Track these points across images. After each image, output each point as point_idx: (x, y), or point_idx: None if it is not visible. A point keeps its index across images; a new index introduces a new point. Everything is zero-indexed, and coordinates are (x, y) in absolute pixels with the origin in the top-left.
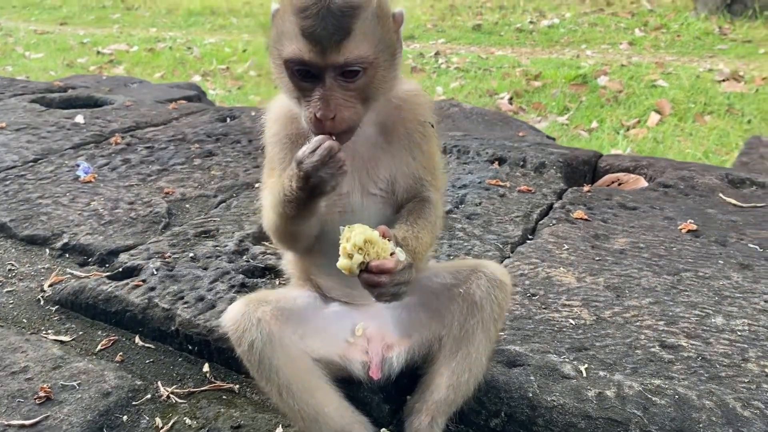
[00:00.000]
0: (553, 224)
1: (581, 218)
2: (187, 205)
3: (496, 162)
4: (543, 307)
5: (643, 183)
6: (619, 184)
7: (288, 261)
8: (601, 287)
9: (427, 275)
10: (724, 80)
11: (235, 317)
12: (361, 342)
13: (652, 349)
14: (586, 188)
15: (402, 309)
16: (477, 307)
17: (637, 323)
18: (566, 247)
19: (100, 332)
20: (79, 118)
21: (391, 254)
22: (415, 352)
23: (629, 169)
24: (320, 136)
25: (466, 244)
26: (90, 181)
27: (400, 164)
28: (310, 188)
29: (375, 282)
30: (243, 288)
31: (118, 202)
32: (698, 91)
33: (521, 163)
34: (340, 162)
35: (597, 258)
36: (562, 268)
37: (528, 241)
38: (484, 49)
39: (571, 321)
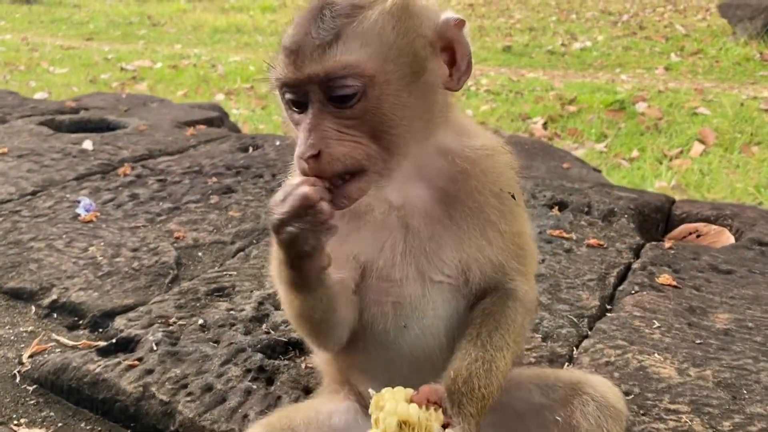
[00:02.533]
0: (636, 291)
1: (669, 284)
2: (200, 254)
3: (556, 207)
4: (642, 412)
5: (728, 236)
6: (698, 236)
7: (322, 359)
8: (711, 384)
9: (505, 386)
10: None
11: None
12: None
13: None
14: (667, 244)
15: None
16: None
17: None
18: (657, 324)
19: (83, 424)
20: (87, 144)
21: None
22: None
23: (709, 219)
24: (297, 179)
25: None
26: (91, 221)
27: (470, 247)
28: (285, 247)
29: None
30: (261, 373)
31: (120, 249)
32: (743, 120)
33: (586, 209)
34: (321, 216)
35: (698, 341)
36: (657, 355)
37: (608, 314)
38: (514, 71)
39: None
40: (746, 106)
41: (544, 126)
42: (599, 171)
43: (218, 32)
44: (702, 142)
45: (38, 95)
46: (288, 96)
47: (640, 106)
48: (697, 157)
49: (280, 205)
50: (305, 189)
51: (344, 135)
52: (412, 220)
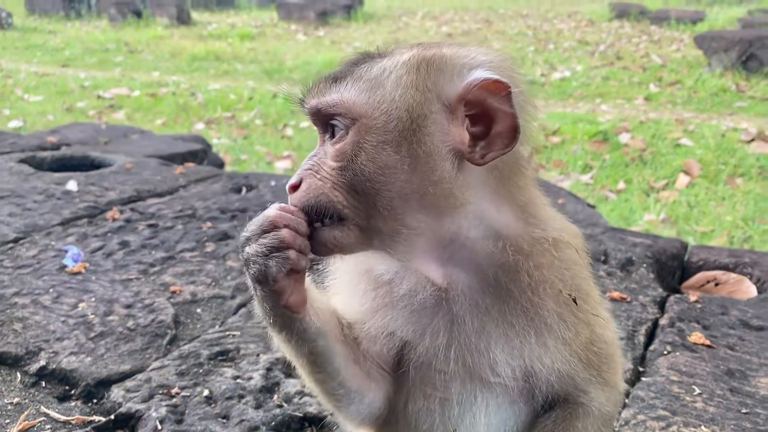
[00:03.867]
0: (669, 352)
1: (702, 344)
2: (199, 310)
3: None
4: None
5: (749, 285)
6: (716, 285)
7: None
8: None
9: None
10: (751, 140)
11: None
12: None
13: None
14: (693, 297)
15: None
16: None
17: None
18: (697, 390)
19: None
20: (72, 185)
21: None
22: None
23: (728, 267)
24: (273, 205)
25: None
26: (80, 272)
27: (526, 352)
28: (253, 279)
29: None
30: None
31: (113, 305)
32: (726, 151)
33: (602, 257)
34: (282, 242)
35: (744, 410)
36: (704, 428)
37: (643, 379)
38: None
39: None
40: (727, 138)
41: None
42: (594, 207)
43: (197, 60)
44: (687, 173)
45: (12, 123)
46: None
47: (624, 137)
48: (683, 189)
49: (248, 226)
50: (272, 211)
51: (331, 174)
52: (456, 306)
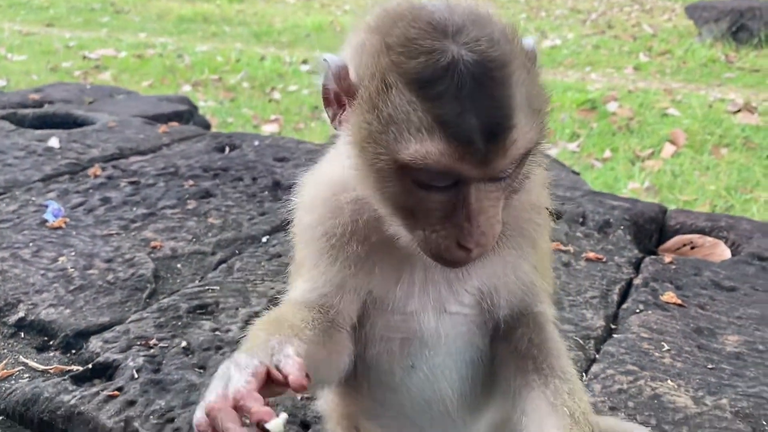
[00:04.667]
0: (641, 310)
1: (674, 303)
2: (179, 265)
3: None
4: None
5: (724, 249)
6: (693, 248)
7: (326, 402)
8: (729, 414)
9: None
10: (737, 111)
11: None
12: None
13: None
14: (667, 259)
15: None
16: None
17: None
18: (666, 346)
19: None
20: (54, 142)
21: None
22: None
23: (704, 230)
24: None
25: None
26: (60, 227)
27: (504, 269)
28: None
29: None
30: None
31: (93, 259)
32: (712, 121)
33: (580, 219)
34: None
35: (710, 366)
36: (670, 381)
37: (615, 336)
38: None
39: None
40: (714, 108)
41: None
42: (578, 173)
43: (184, 21)
44: (673, 143)
45: None
46: (431, 182)
47: (612, 106)
48: (668, 158)
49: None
50: None
51: (496, 210)
52: None
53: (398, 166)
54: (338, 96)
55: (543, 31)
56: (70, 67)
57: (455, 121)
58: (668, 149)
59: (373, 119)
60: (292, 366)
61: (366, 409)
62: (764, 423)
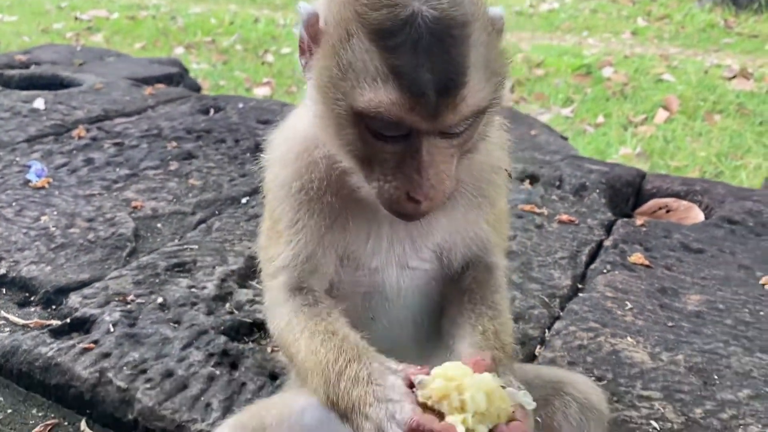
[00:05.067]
0: (608, 270)
1: (641, 264)
2: (159, 225)
3: (528, 180)
4: (615, 399)
5: (697, 212)
6: (668, 211)
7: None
8: (683, 369)
9: None
10: (733, 77)
11: None
12: None
13: None
14: (639, 221)
15: None
16: None
17: (740, 430)
18: (629, 305)
19: (35, 410)
20: (39, 103)
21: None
22: None
23: (679, 194)
24: (419, 418)
25: None
26: (43, 187)
27: (464, 226)
28: None
29: None
30: (224, 357)
31: (75, 218)
32: (706, 87)
33: (557, 182)
34: None
35: (670, 324)
36: (629, 338)
37: (580, 294)
38: None
39: (655, 424)
40: (710, 74)
41: (511, 89)
42: (566, 138)
43: None
44: (666, 109)
45: None
46: (384, 131)
47: (607, 71)
48: (661, 124)
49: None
50: None
51: (448, 167)
52: None
53: (354, 113)
54: (310, 44)
55: None
56: (61, 28)
57: (409, 73)
58: (661, 115)
59: (334, 66)
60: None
61: None
62: (716, 377)
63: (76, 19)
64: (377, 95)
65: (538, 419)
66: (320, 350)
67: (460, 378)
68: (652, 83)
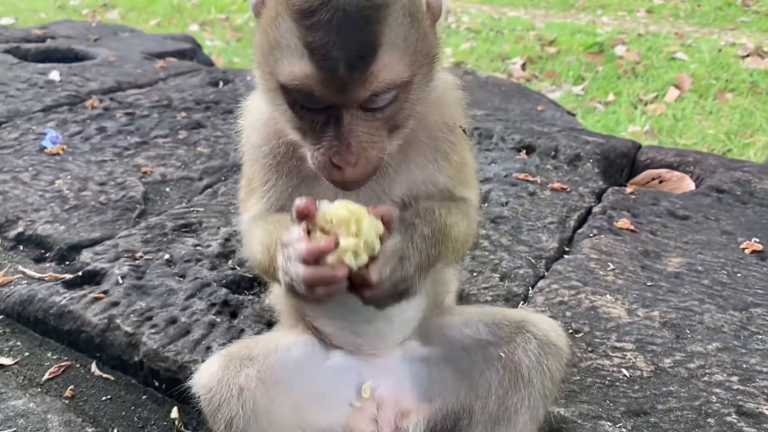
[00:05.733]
0: (594, 234)
1: (627, 228)
2: (168, 189)
3: (524, 151)
4: (589, 349)
5: (689, 183)
6: (661, 182)
7: (277, 295)
8: (657, 324)
9: (454, 322)
10: (747, 56)
11: (209, 384)
12: (370, 407)
13: (728, 419)
14: (629, 189)
15: (422, 364)
16: (523, 380)
17: (705, 378)
18: (611, 266)
19: (50, 354)
20: (54, 75)
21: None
22: (438, 424)
23: (672, 165)
24: (320, 244)
25: (492, 257)
26: (58, 153)
27: (423, 180)
28: (286, 287)
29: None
30: (225, 307)
31: (87, 182)
32: (720, 66)
33: (552, 153)
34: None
35: (649, 283)
36: (609, 296)
37: (565, 256)
38: (496, 9)
39: (625, 372)
40: (724, 52)
41: (523, 67)
42: (574, 114)
43: None
44: (678, 87)
45: (3, 20)
46: (305, 103)
47: (619, 50)
48: (671, 103)
49: (299, 267)
50: (333, 275)
51: (373, 137)
52: None
53: (280, 86)
54: None
55: None
56: (77, 5)
57: (322, 49)
58: (672, 93)
59: (265, 43)
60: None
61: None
62: (688, 332)
63: None
64: (294, 69)
65: (502, 354)
66: (263, 239)
67: (359, 213)
68: (664, 62)
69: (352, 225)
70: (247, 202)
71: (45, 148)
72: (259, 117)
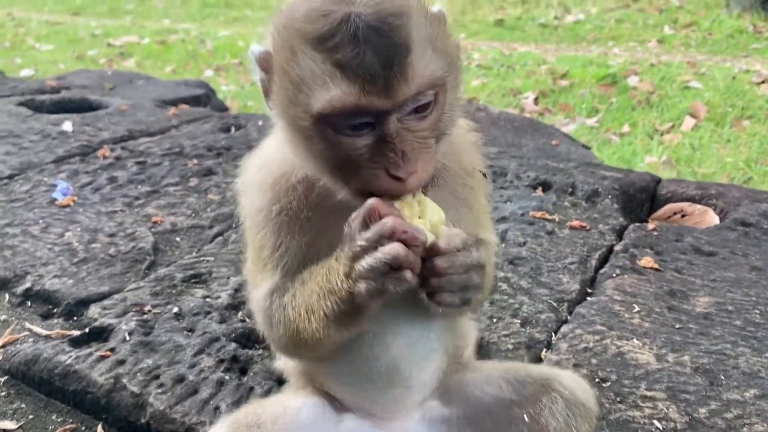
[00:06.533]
0: (617, 274)
1: (651, 267)
2: (178, 238)
3: (540, 188)
4: (618, 400)
5: (713, 216)
6: (683, 216)
7: (285, 360)
8: (689, 370)
9: (475, 379)
10: (762, 82)
11: None
12: None
13: None
14: (651, 225)
15: (442, 426)
16: None
17: (745, 429)
18: (637, 308)
19: (54, 416)
20: (67, 126)
21: None
22: None
23: (694, 198)
24: (389, 221)
25: (511, 301)
26: (68, 205)
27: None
28: (366, 295)
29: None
30: (234, 363)
31: (97, 234)
32: (735, 93)
33: (569, 189)
34: (405, 280)
35: (677, 325)
36: (635, 340)
37: (588, 298)
38: (506, 45)
39: (657, 424)
40: (738, 80)
41: (536, 101)
42: (589, 148)
43: (207, 6)
44: (693, 116)
45: (24, 72)
46: (349, 121)
47: (632, 80)
48: (688, 132)
49: (370, 254)
50: (399, 251)
51: (424, 146)
52: None
53: (315, 120)
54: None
55: (566, 7)
56: (95, 55)
57: (352, 61)
58: (688, 122)
59: (287, 84)
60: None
61: (326, 369)
62: (722, 378)
63: (109, 45)
64: (329, 92)
65: (526, 416)
66: (305, 295)
67: (421, 195)
68: (678, 91)
69: (416, 206)
70: (258, 276)
71: (56, 200)
72: (266, 176)
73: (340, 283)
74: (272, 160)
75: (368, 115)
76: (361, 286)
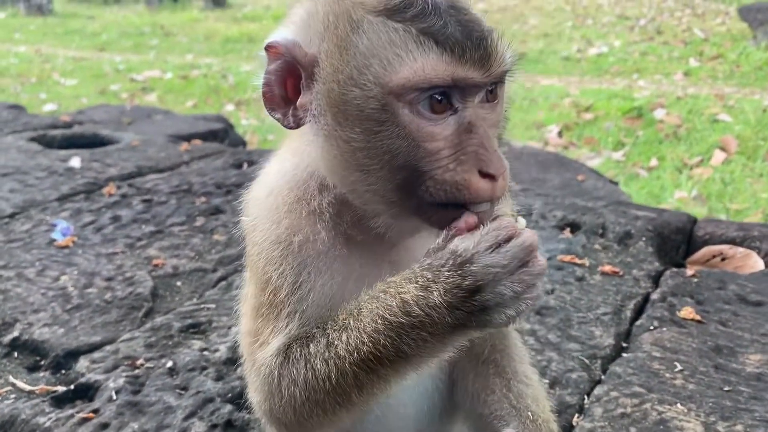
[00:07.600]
0: (655, 327)
1: (692, 319)
2: (179, 283)
3: (568, 228)
4: None
5: (756, 260)
6: (723, 259)
7: None
8: None
9: None
10: None
11: None
12: None
13: None
14: (689, 271)
15: None
16: None
17: None
18: (679, 366)
19: None
20: (75, 162)
21: None
22: None
23: (735, 241)
24: (504, 221)
25: (539, 357)
26: (67, 246)
27: None
28: (497, 322)
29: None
30: (229, 429)
31: (94, 278)
32: (766, 126)
33: (600, 230)
34: (539, 268)
35: (726, 388)
36: (679, 405)
37: (624, 355)
38: (529, 78)
39: None
40: None
41: (560, 134)
42: (616, 183)
43: (230, 42)
44: (723, 150)
45: (48, 107)
46: (434, 97)
47: (659, 113)
48: (718, 166)
49: (490, 254)
50: (531, 237)
51: (498, 145)
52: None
53: (393, 98)
54: (283, 95)
55: (589, 39)
56: (117, 89)
57: (443, 30)
58: (718, 156)
59: (350, 60)
60: None
61: None
62: None
63: (132, 80)
64: (418, 61)
65: None
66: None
67: None
68: (707, 124)
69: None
70: (266, 329)
71: (55, 240)
72: (279, 203)
73: (439, 317)
74: (281, 185)
75: (457, 91)
76: (495, 316)
